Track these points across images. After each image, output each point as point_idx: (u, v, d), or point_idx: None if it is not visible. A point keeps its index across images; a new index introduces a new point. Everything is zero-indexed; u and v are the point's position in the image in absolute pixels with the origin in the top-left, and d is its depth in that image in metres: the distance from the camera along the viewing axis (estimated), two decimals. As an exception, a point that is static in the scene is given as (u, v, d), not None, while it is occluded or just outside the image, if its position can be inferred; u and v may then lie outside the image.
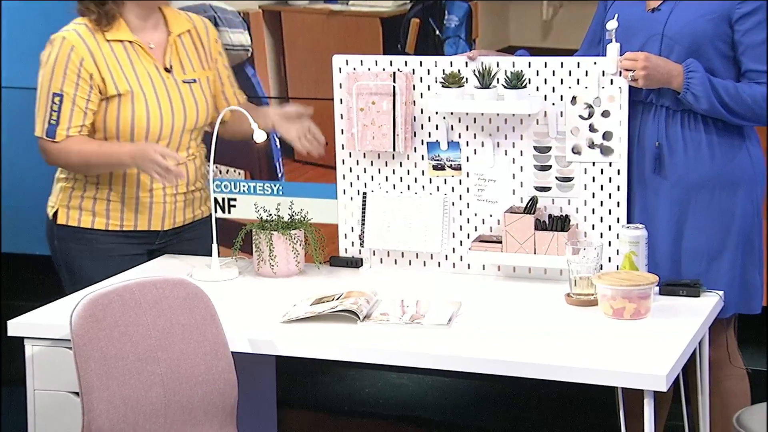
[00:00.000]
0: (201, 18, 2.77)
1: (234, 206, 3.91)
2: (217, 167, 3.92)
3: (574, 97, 2.54)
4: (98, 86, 2.57)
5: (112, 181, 2.64)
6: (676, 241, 2.51)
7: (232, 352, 2.23)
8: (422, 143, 2.65)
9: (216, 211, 2.69)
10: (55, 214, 2.67)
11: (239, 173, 3.93)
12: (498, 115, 2.58)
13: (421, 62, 2.62)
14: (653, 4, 2.51)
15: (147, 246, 2.71)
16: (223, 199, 3.91)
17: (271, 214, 2.67)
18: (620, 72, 2.45)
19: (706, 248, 2.50)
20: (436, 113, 2.63)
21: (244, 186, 3.92)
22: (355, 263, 2.71)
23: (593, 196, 2.55)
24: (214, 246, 2.64)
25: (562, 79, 2.53)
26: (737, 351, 2.58)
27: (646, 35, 2.49)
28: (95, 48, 2.58)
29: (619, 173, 2.52)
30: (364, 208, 2.70)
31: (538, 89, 2.55)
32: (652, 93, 2.50)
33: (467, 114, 2.61)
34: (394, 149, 2.64)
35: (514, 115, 2.57)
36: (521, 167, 2.60)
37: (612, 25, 2.46)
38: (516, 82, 2.50)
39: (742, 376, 2.58)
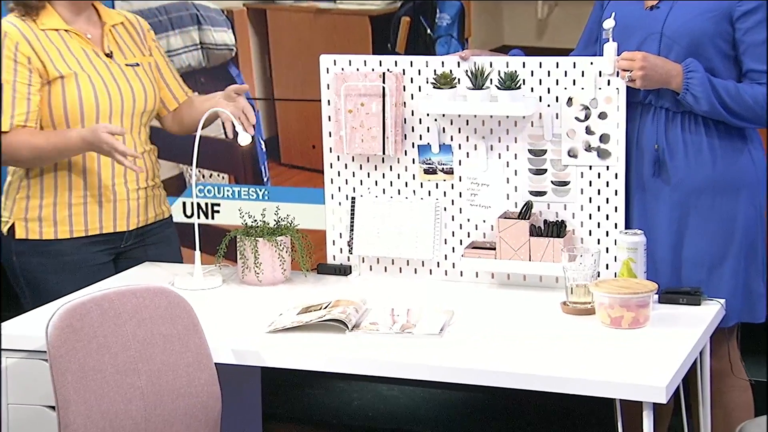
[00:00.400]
0: (134, 14, 2.83)
1: (217, 212, 3.90)
2: (199, 171, 3.91)
3: (570, 99, 2.54)
4: (38, 69, 2.58)
5: (72, 185, 2.63)
6: (676, 248, 2.51)
7: (215, 364, 2.23)
8: (413, 146, 2.65)
9: (199, 217, 2.69)
10: (11, 228, 2.65)
11: (223, 177, 3.93)
12: (491, 117, 2.59)
13: (411, 62, 2.63)
14: (651, 3, 2.52)
15: (113, 250, 2.70)
16: (207, 205, 3.91)
17: (256, 220, 2.67)
18: (617, 72, 2.46)
19: (707, 255, 2.50)
20: (428, 115, 2.63)
21: (228, 191, 3.91)
22: (343, 271, 2.70)
23: (590, 201, 2.55)
24: (197, 253, 2.63)
25: (557, 80, 2.54)
26: (740, 361, 2.58)
27: (644, 34, 2.49)
28: (29, 33, 2.60)
29: (616, 177, 2.53)
30: (352, 214, 2.70)
31: (532, 90, 2.55)
32: (651, 94, 2.51)
33: (459, 116, 2.61)
34: (383, 152, 2.64)
35: (508, 117, 2.57)
36: (515, 171, 2.60)
37: (609, 24, 2.47)
38: (510, 82, 2.50)
39: (745, 387, 2.59)
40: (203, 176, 3.93)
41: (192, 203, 3.84)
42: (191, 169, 2.68)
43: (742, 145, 2.50)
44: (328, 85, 2.68)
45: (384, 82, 2.61)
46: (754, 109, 2.45)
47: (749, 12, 2.44)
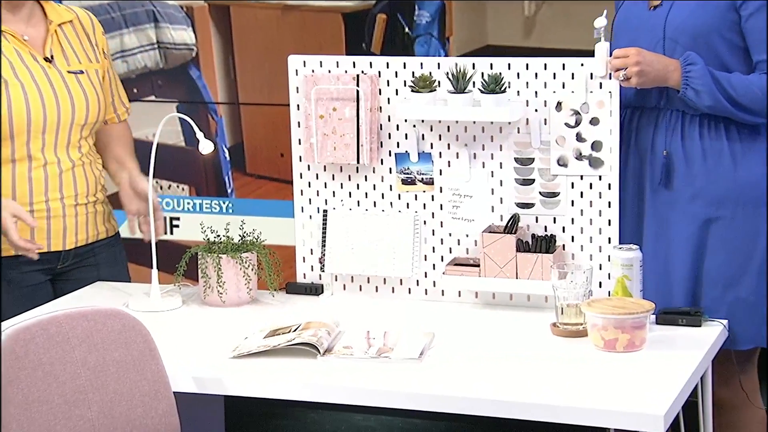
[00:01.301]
0: (86, 12, 2.79)
1: (177, 226, 3.89)
2: (156, 182, 3.90)
3: (559, 103, 2.55)
4: None
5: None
6: (693, 264, 2.51)
7: (174, 393, 2.21)
8: (390, 155, 2.66)
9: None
10: None
11: (182, 189, 3.91)
12: (474, 122, 2.60)
13: (388, 63, 2.63)
14: (655, 2, 2.54)
15: (49, 271, 2.68)
16: (164, 219, 3.89)
17: (219, 235, 2.66)
18: (610, 75, 2.47)
19: (724, 272, 2.49)
20: (405, 121, 2.64)
21: (188, 203, 3.90)
22: (314, 290, 2.70)
23: (581, 214, 2.56)
24: (154, 272, 2.62)
25: (545, 83, 2.55)
26: (757, 390, 2.57)
27: (649, 37, 2.51)
28: None
29: (609, 188, 2.54)
30: (324, 228, 2.70)
31: (519, 94, 2.56)
32: (663, 97, 2.51)
33: (440, 122, 2.62)
34: (358, 161, 2.64)
35: (492, 123, 2.58)
36: (501, 181, 2.60)
37: (600, 22, 2.48)
38: (494, 85, 2.51)
39: (762, 418, 2.57)
40: (161, 188, 3.91)
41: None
42: (147, 180, 2.66)
43: (765, 154, 2.48)
44: (297, 88, 2.68)
45: (358, 85, 2.61)
46: (764, 101, 2.43)
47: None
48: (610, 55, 2.46)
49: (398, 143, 2.65)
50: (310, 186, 2.72)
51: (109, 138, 2.81)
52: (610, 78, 2.48)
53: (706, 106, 2.45)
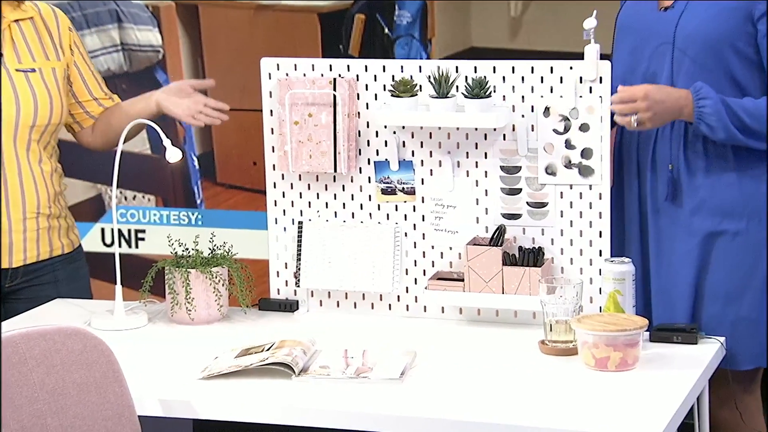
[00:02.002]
0: (50, 6, 2.76)
1: (142, 239, 3.88)
2: (121, 192, 3.90)
3: (547, 108, 2.57)
4: None
5: None
6: (695, 280, 2.52)
7: (139, 417, 2.21)
8: (368, 163, 2.67)
9: (120, 246, 2.67)
10: None
11: (149, 199, 3.91)
12: (458, 129, 2.61)
13: (366, 67, 2.64)
14: (666, 3, 2.54)
15: None
16: (130, 231, 3.89)
17: (187, 249, 2.66)
18: (612, 120, 2.45)
19: (725, 288, 2.50)
20: (385, 127, 2.65)
21: (154, 215, 3.90)
22: (289, 306, 2.70)
23: (571, 225, 2.58)
24: (118, 288, 2.62)
25: (533, 87, 2.57)
26: (760, 411, 2.58)
27: (657, 42, 2.50)
28: None
29: (600, 197, 2.56)
30: (299, 241, 2.70)
31: (504, 99, 2.58)
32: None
33: (422, 128, 2.63)
34: (335, 170, 2.65)
35: (476, 129, 2.60)
36: (486, 191, 2.62)
37: (590, 23, 2.50)
38: (479, 90, 2.53)
39: None
40: (125, 198, 3.91)
41: (112, 230, 3.81)
42: (111, 190, 2.66)
43: None
44: (270, 92, 2.68)
45: (335, 90, 2.62)
46: None
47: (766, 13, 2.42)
48: (613, 94, 2.42)
49: (377, 151, 2.66)
50: (284, 196, 2.72)
51: (105, 117, 2.74)
52: (613, 125, 2.46)
53: (720, 139, 2.45)
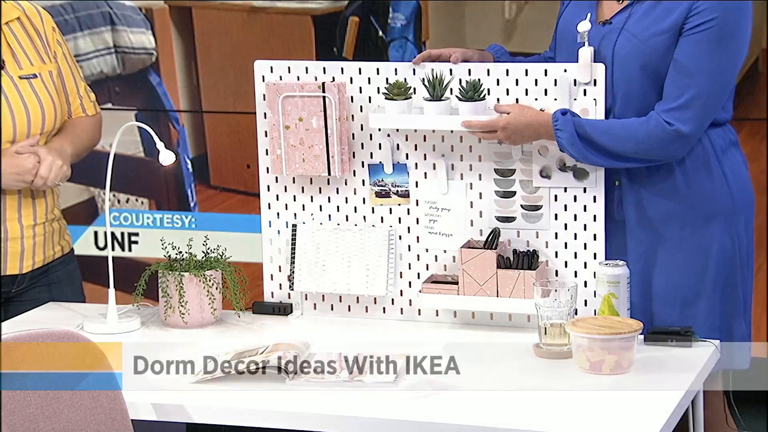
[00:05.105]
0: (32, 4, 2.73)
1: (135, 242, 3.88)
2: (114, 195, 3.89)
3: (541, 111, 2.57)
4: None
5: None
6: (644, 287, 2.53)
7: (132, 421, 2.21)
8: (362, 166, 2.67)
9: (113, 249, 2.67)
10: None
11: (142, 202, 3.91)
12: (452, 132, 2.61)
13: (360, 69, 2.65)
14: (605, 16, 2.53)
15: (2, 295, 2.66)
16: (123, 234, 3.88)
17: (181, 252, 2.66)
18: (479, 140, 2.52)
19: (678, 294, 2.52)
20: (379, 130, 2.65)
21: (148, 218, 3.90)
22: (282, 310, 2.70)
23: (565, 228, 2.58)
24: (111, 291, 2.61)
25: (527, 90, 2.57)
26: (725, 411, 2.59)
27: (595, 54, 2.49)
28: None
29: (595, 200, 2.56)
30: (293, 244, 2.70)
31: (498, 101, 2.58)
32: (613, 109, 2.51)
33: (416, 131, 2.63)
34: (329, 173, 2.65)
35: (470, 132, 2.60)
36: (480, 194, 2.62)
37: (584, 26, 2.50)
38: (473, 92, 2.53)
39: None
40: (119, 201, 3.91)
41: (105, 233, 3.81)
42: (104, 193, 2.66)
43: (716, 167, 2.52)
44: (264, 95, 2.68)
45: (328, 92, 2.62)
46: (637, 142, 2.41)
47: (695, 27, 2.41)
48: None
49: (371, 154, 2.66)
50: (278, 199, 2.72)
51: (65, 126, 2.70)
52: (480, 141, 2.53)
53: (586, 163, 2.48)
